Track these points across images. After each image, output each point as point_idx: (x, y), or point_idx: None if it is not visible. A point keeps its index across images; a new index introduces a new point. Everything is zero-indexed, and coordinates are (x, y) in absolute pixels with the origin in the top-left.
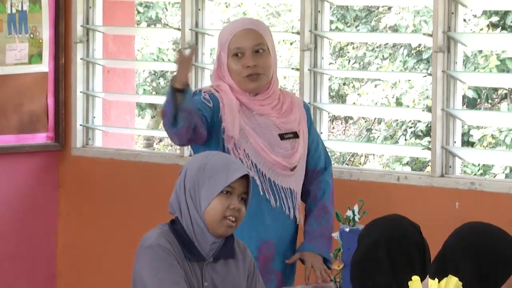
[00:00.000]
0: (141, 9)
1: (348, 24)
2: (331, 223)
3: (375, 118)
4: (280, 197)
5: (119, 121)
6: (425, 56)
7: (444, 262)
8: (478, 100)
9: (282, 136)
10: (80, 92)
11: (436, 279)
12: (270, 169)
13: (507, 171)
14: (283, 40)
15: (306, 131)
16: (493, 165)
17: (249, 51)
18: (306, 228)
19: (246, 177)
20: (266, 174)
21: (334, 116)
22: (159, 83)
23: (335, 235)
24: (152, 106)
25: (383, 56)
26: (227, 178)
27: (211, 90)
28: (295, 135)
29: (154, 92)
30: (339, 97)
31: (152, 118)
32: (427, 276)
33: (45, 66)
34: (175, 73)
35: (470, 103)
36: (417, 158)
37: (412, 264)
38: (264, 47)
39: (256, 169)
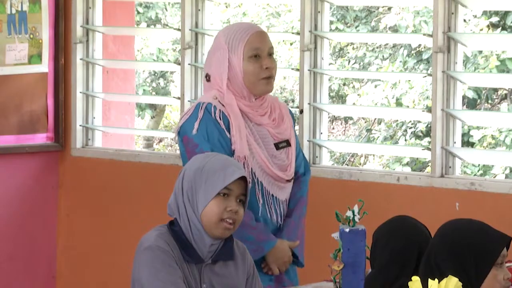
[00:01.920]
0: (140, 10)
1: (348, 25)
2: (302, 222)
3: (375, 119)
4: (277, 211)
5: (119, 121)
6: (425, 56)
7: (429, 261)
8: (478, 101)
9: (277, 146)
10: (80, 92)
11: (436, 280)
12: (273, 184)
13: (507, 171)
14: (283, 41)
15: (294, 138)
16: (493, 166)
17: (265, 53)
18: (284, 223)
19: (244, 179)
20: (269, 190)
21: (334, 116)
22: (159, 83)
23: (335, 235)
24: (152, 106)
25: (383, 56)
26: (224, 180)
27: (217, 106)
28: (288, 143)
29: (154, 93)
30: (339, 97)
31: (151, 118)
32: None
33: (44, 66)
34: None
35: (470, 104)
36: (417, 158)
37: None
38: (273, 51)
39: (260, 187)
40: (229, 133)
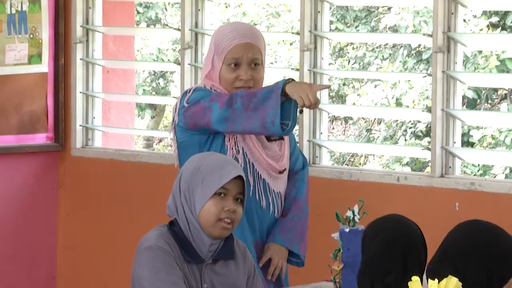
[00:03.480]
0: (140, 10)
1: (348, 25)
2: (304, 220)
3: (375, 119)
4: (269, 199)
5: (119, 121)
6: (425, 56)
7: (445, 260)
8: (478, 101)
9: (268, 138)
10: (80, 92)
11: (436, 280)
12: (265, 170)
13: (507, 171)
14: (283, 41)
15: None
16: (493, 166)
17: (245, 63)
18: (279, 221)
19: (241, 178)
20: (262, 175)
21: (334, 116)
22: (159, 83)
23: (335, 235)
24: (152, 106)
25: (383, 56)
26: (220, 180)
27: (212, 88)
28: (280, 137)
29: (154, 93)
30: (339, 97)
31: (151, 118)
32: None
33: (44, 66)
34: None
35: (470, 104)
36: (417, 158)
37: (421, 263)
38: (259, 61)
39: (252, 169)
40: None
